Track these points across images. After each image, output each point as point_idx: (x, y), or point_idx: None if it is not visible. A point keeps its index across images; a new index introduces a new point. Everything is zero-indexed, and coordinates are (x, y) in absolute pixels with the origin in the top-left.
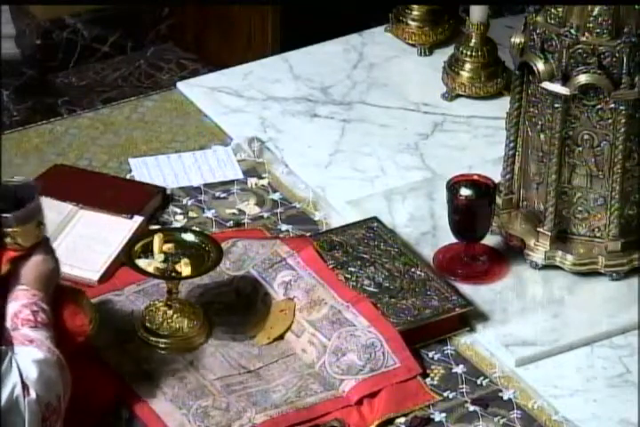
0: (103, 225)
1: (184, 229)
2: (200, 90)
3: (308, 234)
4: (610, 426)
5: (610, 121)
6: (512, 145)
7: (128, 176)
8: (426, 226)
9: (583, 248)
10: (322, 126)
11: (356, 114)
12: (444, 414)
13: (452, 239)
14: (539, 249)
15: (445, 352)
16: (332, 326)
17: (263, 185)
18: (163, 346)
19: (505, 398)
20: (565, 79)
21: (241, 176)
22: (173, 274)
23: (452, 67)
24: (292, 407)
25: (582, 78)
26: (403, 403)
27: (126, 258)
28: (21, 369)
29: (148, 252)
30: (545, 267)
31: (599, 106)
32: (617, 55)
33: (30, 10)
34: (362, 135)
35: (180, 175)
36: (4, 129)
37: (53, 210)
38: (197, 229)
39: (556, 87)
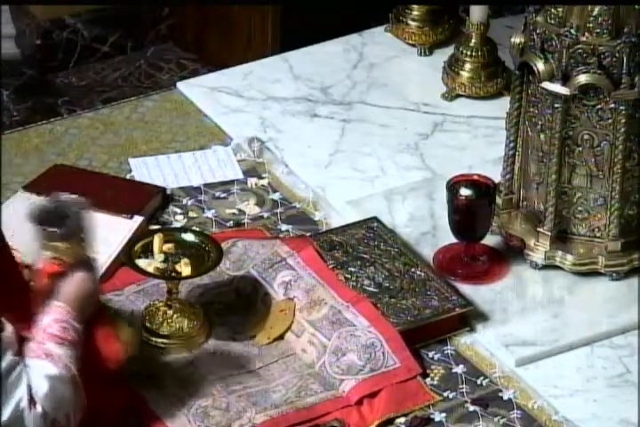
0: (103, 225)
1: (184, 229)
2: (200, 90)
3: (308, 234)
4: (610, 426)
5: (610, 121)
6: (512, 145)
7: (128, 176)
8: (426, 226)
9: (583, 248)
10: (322, 126)
11: (356, 114)
12: (443, 414)
13: (452, 239)
14: (539, 249)
15: (445, 352)
16: (332, 326)
17: (263, 185)
18: (163, 346)
19: (505, 398)
20: (565, 79)
21: (241, 176)
22: (173, 274)
23: (452, 67)
24: (291, 407)
25: (582, 78)
26: (403, 403)
27: (126, 258)
28: (32, 383)
29: (147, 252)
30: (545, 267)
31: (599, 106)
32: (617, 55)
33: (30, 10)
34: (362, 135)
35: (180, 175)
36: (4, 129)
37: None
38: (197, 229)
39: (556, 87)
